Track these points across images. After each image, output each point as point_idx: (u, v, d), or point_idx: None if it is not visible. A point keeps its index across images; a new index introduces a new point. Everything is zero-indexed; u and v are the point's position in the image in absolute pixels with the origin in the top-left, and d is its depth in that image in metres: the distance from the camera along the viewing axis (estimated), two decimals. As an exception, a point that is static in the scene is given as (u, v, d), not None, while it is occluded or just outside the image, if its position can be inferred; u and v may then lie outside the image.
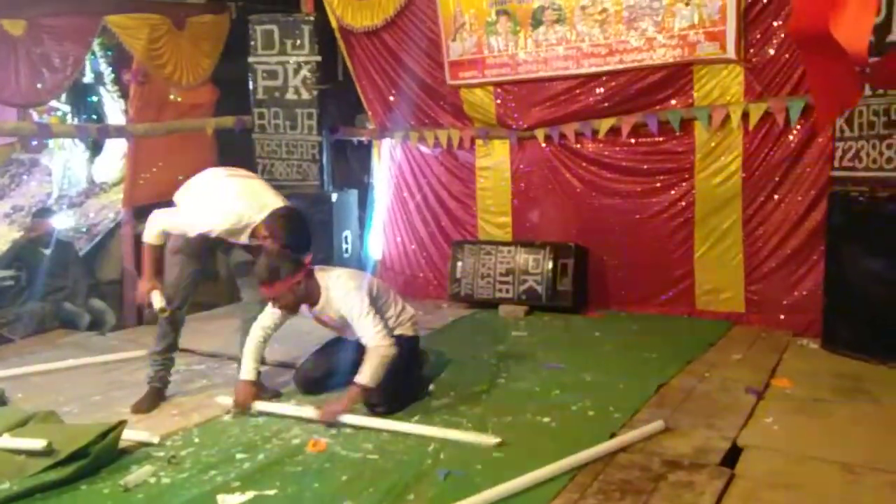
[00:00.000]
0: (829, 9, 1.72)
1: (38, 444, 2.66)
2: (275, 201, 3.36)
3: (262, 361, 3.48)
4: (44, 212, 5.92)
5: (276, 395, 3.53)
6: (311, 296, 3.23)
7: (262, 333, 3.35)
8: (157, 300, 3.35)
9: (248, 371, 3.33)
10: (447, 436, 2.91)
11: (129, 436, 2.91)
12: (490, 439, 2.84)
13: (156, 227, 3.35)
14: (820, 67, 2.02)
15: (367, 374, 3.05)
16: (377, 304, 3.30)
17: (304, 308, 3.33)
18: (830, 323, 4.03)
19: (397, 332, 3.44)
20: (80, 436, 2.74)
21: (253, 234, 3.29)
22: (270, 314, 3.34)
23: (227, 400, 3.35)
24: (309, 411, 3.16)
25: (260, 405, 3.29)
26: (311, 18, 5.69)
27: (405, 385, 3.40)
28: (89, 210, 7.16)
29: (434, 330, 4.76)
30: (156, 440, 2.95)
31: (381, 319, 3.20)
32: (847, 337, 3.90)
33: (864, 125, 3.79)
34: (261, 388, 3.46)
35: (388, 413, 3.21)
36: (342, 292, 3.21)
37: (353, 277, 3.33)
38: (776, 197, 4.48)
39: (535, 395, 3.48)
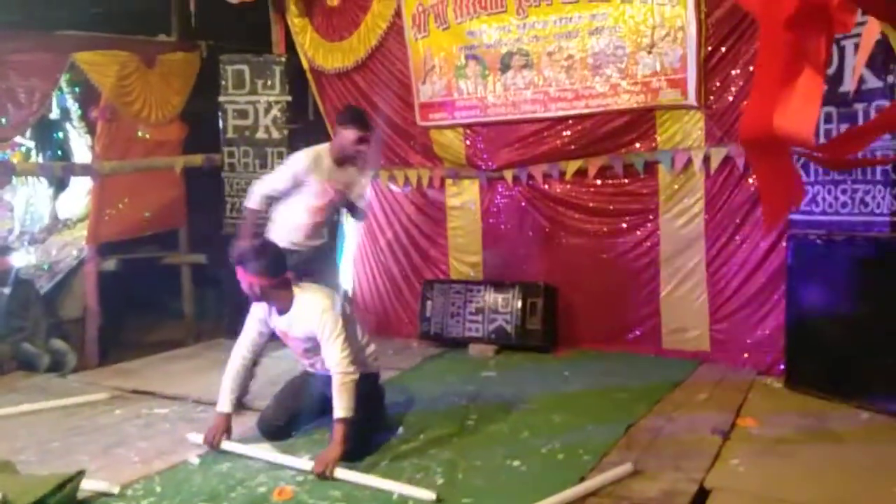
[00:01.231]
0: (774, 106, 1.80)
1: (-8, 496, 2.57)
2: None
3: (245, 391, 3.52)
4: (2, 249, 5.78)
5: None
6: (279, 301, 3.21)
7: (240, 362, 3.34)
8: None
9: (224, 403, 3.28)
10: (384, 486, 2.86)
11: (88, 486, 2.83)
12: (428, 494, 2.75)
13: (257, 191, 3.88)
14: (767, 169, 2.11)
15: (343, 407, 3.02)
16: (348, 328, 3.26)
17: (270, 321, 3.31)
18: (793, 362, 4.12)
19: (364, 369, 3.41)
20: (36, 487, 2.64)
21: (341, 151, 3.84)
22: (249, 337, 3.34)
23: (198, 438, 3.28)
24: (303, 462, 3.06)
25: (242, 448, 3.21)
26: (283, 59, 5.75)
27: (369, 425, 3.35)
28: (52, 247, 7.00)
29: (403, 370, 4.74)
30: (115, 490, 2.86)
31: (349, 345, 3.16)
32: (809, 376, 3.98)
33: (820, 171, 3.94)
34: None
35: (355, 456, 3.15)
36: (317, 308, 3.16)
37: (329, 296, 3.28)
38: (738, 238, 4.59)
39: (505, 438, 3.47)
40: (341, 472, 2.95)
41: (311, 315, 3.16)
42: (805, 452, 3.20)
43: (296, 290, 3.26)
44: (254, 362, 3.53)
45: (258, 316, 3.36)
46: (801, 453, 3.19)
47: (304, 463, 3.06)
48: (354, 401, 3.05)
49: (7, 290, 5.26)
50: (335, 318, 3.15)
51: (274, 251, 3.29)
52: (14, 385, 4.62)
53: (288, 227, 3.93)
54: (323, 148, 3.99)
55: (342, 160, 3.95)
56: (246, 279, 3.19)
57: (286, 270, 3.24)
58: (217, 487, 2.93)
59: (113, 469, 3.12)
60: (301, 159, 3.90)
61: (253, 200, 3.93)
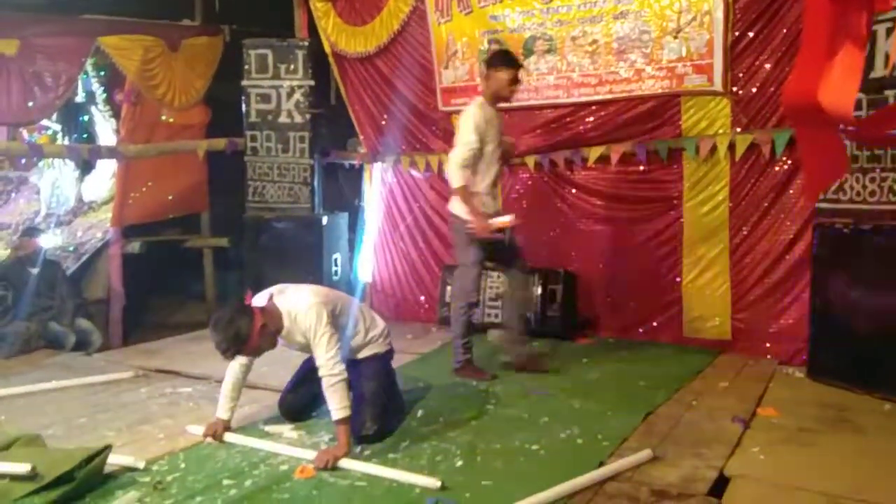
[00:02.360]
0: (818, 78, 1.78)
1: (23, 468, 2.63)
2: None
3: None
4: (31, 230, 5.88)
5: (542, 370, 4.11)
6: (276, 325, 3.09)
7: (240, 368, 3.28)
8: (506, 218, 3.92)
9: (223, 410, 3.26)
10: (386, 475, 2.83)
11: (115, 460, 2.88)
12: (433, 482, 2.73)
13: (455, 168, 3.94)
14: (811, 140, 2.09)
15: (338, 409, 2.99)
16: (339, 321, 3.22)
17: None
18: (816, 352, 4.07)
19: (369, 351, 3.40)
20: (64, 460, 2.70)
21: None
22: None
23: (197, 429, 3.30)
24: (306, 453, 3.04)
25: (252, 441, 3.19)
26: (305, 43, 5.75)
27: (389, 403, 3.37)
28: (77, 229, 7.12)
29: (422, 355, 4.76)
30: (141, 465, 2.91)
31: (336, 343, 3.08)
32: (832, 366, 3.94)
33: (849, 159, 3.87)
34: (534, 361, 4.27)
35: (377, 436, 3.20)
36: (304, 309, 3.08)
37: (315, 294, 3.21)
38: (763, 227, 4.54)
39: (524, 422, 3.48)
40: (343, 462, 2.93)
41: (302, 315, 3.08)
42: (827, 442, 3.17)
43: (277, 298, 3.13)
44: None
45: None
46: (822, 443, 3.16)
47: (307, 454, 3.02)
48: (348, 398, 3.03)
49: (35, 271, 5.36)
50: (318, 315, 3.05)
51: (224, 316, 2.95)
52: (41, 363, 4.72)
53: (485, 189, 4.04)
54: (478, 99, 4.09)
55: (495, 102, 4.06)
56: (250, 352, 3.08)
57: (251, 312, 2.97)
58: (240, 465, 2.98)
59: (138, 445, 3.18)
60: (476, 112, 3.96)
61: (456, 179, 3.96)
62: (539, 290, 5.09)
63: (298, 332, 3.11)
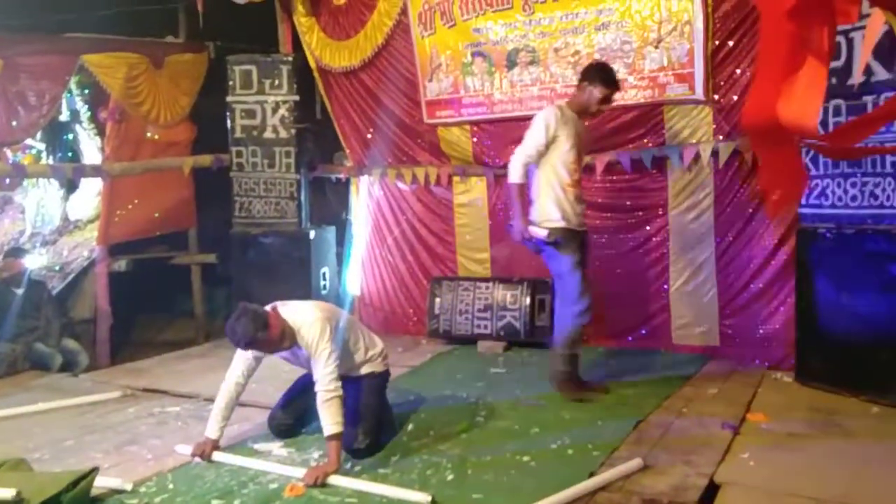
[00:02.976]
0: (777, 95, 1.80)
1: (8, 493, 2.59)
2: None
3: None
4: (16, 251, 5.83)
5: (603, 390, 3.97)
6: (287, 339, 3.12)
7: (234, 388, 3.26)
8: (541, 231, 3.84)
9: (212, 430, 3.24)
10: (376, 491, 2.82)
11: (102, 483, 2.85)
12: (424, 497, 2.73)
13: (513, 163, 3.88)
14: (771, 159, 2.11)
15: (331, 424, 2.99)
16: (343, 338, 3.24)
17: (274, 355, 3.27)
18: (803, 356, 4.10)
19: (367, 369, 3.42)
20: (50, 484, 2.68)
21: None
22: (243, 362, 3.25)
23: (186, 449, 3.27)
24: (296, 471, 3.02)
25: (240, 460, 3.17)
26: (290, 59, 5.76)
27: (383, 420, 3.39)
28: (63, 248, 7.08)
29: (413, 368, 4.76)
30: (129, 487, 2.89)
31: (335, 360, 3.10)
32: (819, 370, 3.97)
33: (830, 164, 3.92)
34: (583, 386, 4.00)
35: (369, 450, 3.19)
36: (308, 323, 3.12)
37: (319, 309, 3.25)
38: (747, 233, 4.57)
39: (515, 434, 3.47)
40: (333, 479, 2.91)
41: (303, 333, 3.11)
42: (816, 447, 3.19)
43: (283, 311, 3.16)
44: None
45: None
46: (811, 448, 3.18)
47: (296, 472, 3.00)
48: (341, 415, 3.02)
49: (20, 291, 5.31)
50: (320, 330, 3.09)
51: (247, 309, 3.06)
52: (27, 384, 4.66)
53: (553, 197, 3.89)
54: (562, 102, 4.09)
55: (580, 113, 3.98)
56: (264, 345, 3.12)
57: (264, 320, 3.06)
58: (229, 484, 2.96)
59: (126, 466, 3.15)
60: (552, 111, 3.89)
61: (514, 174, 3.89)
62: (528, 300, 5.09)
63: (302, 344, 3.14)
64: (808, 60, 1.79)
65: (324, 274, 5.83)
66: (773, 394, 3.95)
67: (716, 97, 4.52)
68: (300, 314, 3.17)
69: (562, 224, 3.89)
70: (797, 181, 2.25)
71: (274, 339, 3.07)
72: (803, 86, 1.80)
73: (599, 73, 3.94)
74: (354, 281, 6.15)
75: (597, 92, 3.88)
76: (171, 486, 2.96)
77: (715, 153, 4.56)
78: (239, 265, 5.78)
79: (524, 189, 3.92)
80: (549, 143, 3.86)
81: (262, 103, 5.71)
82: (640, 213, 4.96)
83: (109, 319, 6.03)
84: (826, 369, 3.92)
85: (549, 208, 3.90)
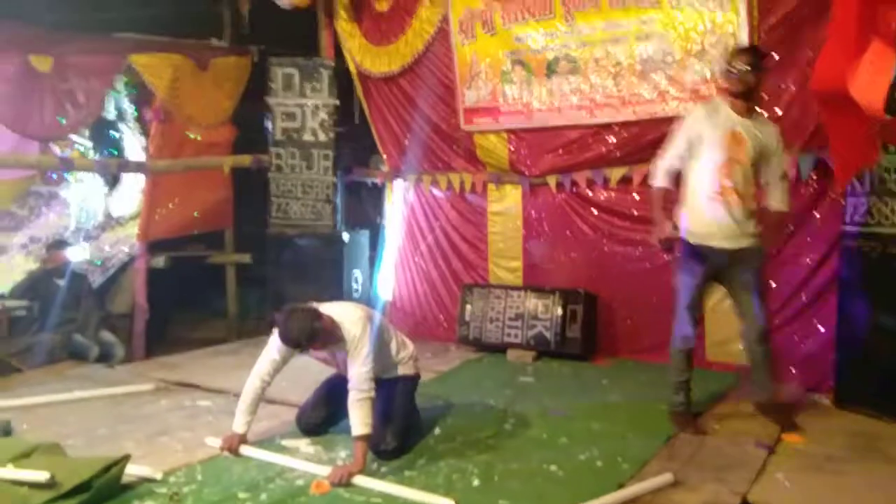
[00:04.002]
0: (849, 68, 1.76)
1: (41, 476, 2.65)
2: None
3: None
4: (59, 243, 5.98)
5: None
6: (336, 331, 3.14)
7: (260, 384, 3.29)
8: (672, 229, 3.52)
9: (239, 425, 3.28)
10: (401, 494, 2.81)
11: (132, 471, 2.90)
12: (448, 502, 2.70)
13: (659, 167, 3.60)
14: (839, 125, 2.06)
15: (360, 425, 3.00)
16: (378, 339, 3.25)
17: (312, 355, 3.31)
18: (843, 379, 3.98)
19: (399, 371, 3.42)
20: (82, 469, 2.73)
21: None
22: (270, 360, 3.27)
23: (215, 442, 3.32)
24: (322, 469, 3.03)
25: (268, 455, 3.19)
26: (331, 63, 5.84)
27: (411, 424, 3.39)
28: (104, 243, 7.23)
29: (441, 373, 4.74)
30: (158, 476, 2.93)
31: (372, 360, 3.12)
32: (860, 394, 3.85)
33: (875, 181, 3.81)
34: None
35: (396, 452, 3.19)
36: (351, 321, 3.14)
37: (360, 308, 3.29)
38: (788, 250, 4.47)
39: (543, 443, 3.44)
40: (358, 479, 2.92)
41: (345, 330, 3.13)
42: (855, 471, 3.09)
43: (330, 315, 3.16)
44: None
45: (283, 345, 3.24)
46: (850, 472, 3.08)
47: (321, 469, 3.02)
48: (371, 416, 3.03)
49: (62, 283, 5.44)
50: (362, 328, 3.12)
51: (303, 310, 3.12)
52: (64, 373, 4.77)
53: (699, 203, 3.47)
54: (719, 98, 3.63)
55: (736, 99, 3.44)
56: (320, 344, 3.14)
57: (318, 313, 3.09)
58: (256, 478, 2.98)
59: (157, 456, 3.20)
60: (696, 108, 3.65)
61: (657, 178, 3.62)
62: (559, 311, 5.05)
63: (342, 344, 3.15)
64: (873, 43, 1.75)
65: (356, 277, 5.87)
66: (811, 416, 3.83)
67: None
68: (342, 313, 3.20)
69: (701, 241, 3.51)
70: (868, 147, 2.16)
71: (328, 331, 3.09)
72: (870, 68, 1.75)
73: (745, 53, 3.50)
74: (386, 285, 6.17)
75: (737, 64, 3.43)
76: (199, 477, 2.99)
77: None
78: (273, 266, 5.85)
79: (659, 191, 3.62)
80: (693, 146, 3.52)
81: (303, 106, 5.79)
82: (677, 227, 4.88)
83: (146, 314, 6.13)
84: (867, 393, 3.80)
85: (695, 217, 3.53)
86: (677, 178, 3.63)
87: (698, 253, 3.53)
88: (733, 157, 3.41)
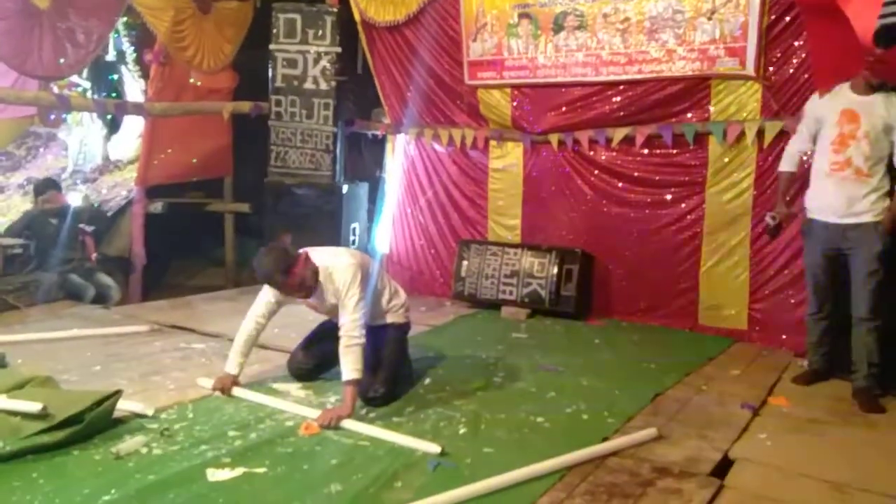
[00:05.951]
0: None
1: (34, 407, 2.68)
2: None
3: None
4: (51, 182, 5.87)
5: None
6: (314, 275, 3.17)
7: (254, 326, 3.31)
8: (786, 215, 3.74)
9: (232, 366, 3.32)
10: (389, 438, 2.84)
11: (124, 406, 2.94)
12: (433, 447, 2.74)
13: (787, 150, 3.79)
14: (821, 32, 2.03)
15: (350, 370, 3.03)
16: (372, 285, 3.27)
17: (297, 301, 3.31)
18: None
19: (389, 318, 3.44)
20: (75, 402, 2.76)
21: None
22: (265, 303, 3.30)
23: (207, 382, 3.35)
24: (312, 411, 3.06)
25: (259, 397, 3.23)
26: (335, 10, 5.73)
27: (401, 372, 3.43)
28: (102, 186, 7.22)
29: (435, 327, 4.77)
30: (150, 412, 2.97)
31: (363, 307, 3.14)
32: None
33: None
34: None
35: (385, 399, 3.22)
36: (341, 267, 3.14)
37: (352, 255, 3.29)
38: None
39: (531, 396, 3.48)
40: (347, 423, 2.95)
41: (335, 277, 3.13)
42: (836, 433, 3.13)
43: (314, 255, 3.19)
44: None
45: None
46: (831, 434, 3.12)
47: (311, 412, 3.05)
48: (361, 363, 3.05)
49: (59, 224, 5.42)
50: (353, 275, 3.12)
51: (274, 248, 3.23)
52: (60, 312, 4.80)
53: (817, 180, 3.59)
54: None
55: (861, 81, 3.31)
56: (285, 286, 3.15)
57: (296, 254, 3.15)
58: (247, 418, 3.02)
59: (149, 394, 3.24)
60: (816, 92, 3.63)
61: (784, 161, 3.78)
62: (555, 270, 5.06)
63: (331, 289, 3.16)
64: None
65: (354, 229, 5.86)
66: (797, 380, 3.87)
67: (766, 74, 4.37)
68: (333, 258, 3.20)
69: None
70: (851, 57, 2.14)
71: (293, 285, 3.11)
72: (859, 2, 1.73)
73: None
74: (384, 238, 6.16)
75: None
76: (190, 415, 3.03)
77: (760, 132, 4.43)
78: (271, 214, 5.84)
79: (783, 174, 3.81)
80: (818, 126, 3.58)
81: (305, 53, 5.70)
82: (677, 190, 4.86)
83: (143, 259, 6.14)
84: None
85: (813, 200, 3.66)
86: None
87: (814, 230, 3.63)
88: (847, 134, 3.44)
